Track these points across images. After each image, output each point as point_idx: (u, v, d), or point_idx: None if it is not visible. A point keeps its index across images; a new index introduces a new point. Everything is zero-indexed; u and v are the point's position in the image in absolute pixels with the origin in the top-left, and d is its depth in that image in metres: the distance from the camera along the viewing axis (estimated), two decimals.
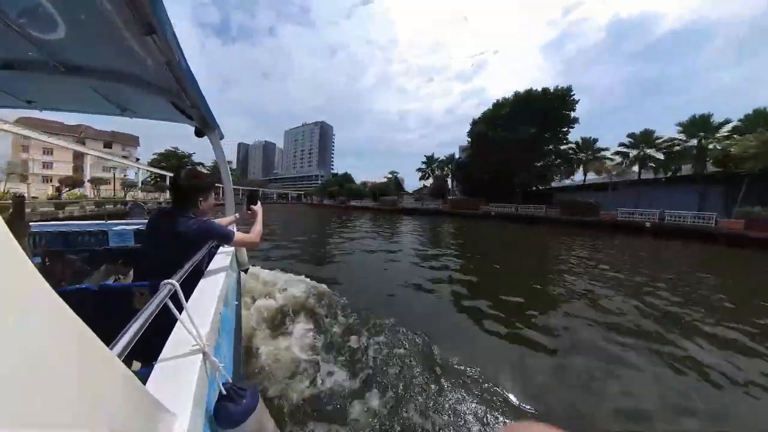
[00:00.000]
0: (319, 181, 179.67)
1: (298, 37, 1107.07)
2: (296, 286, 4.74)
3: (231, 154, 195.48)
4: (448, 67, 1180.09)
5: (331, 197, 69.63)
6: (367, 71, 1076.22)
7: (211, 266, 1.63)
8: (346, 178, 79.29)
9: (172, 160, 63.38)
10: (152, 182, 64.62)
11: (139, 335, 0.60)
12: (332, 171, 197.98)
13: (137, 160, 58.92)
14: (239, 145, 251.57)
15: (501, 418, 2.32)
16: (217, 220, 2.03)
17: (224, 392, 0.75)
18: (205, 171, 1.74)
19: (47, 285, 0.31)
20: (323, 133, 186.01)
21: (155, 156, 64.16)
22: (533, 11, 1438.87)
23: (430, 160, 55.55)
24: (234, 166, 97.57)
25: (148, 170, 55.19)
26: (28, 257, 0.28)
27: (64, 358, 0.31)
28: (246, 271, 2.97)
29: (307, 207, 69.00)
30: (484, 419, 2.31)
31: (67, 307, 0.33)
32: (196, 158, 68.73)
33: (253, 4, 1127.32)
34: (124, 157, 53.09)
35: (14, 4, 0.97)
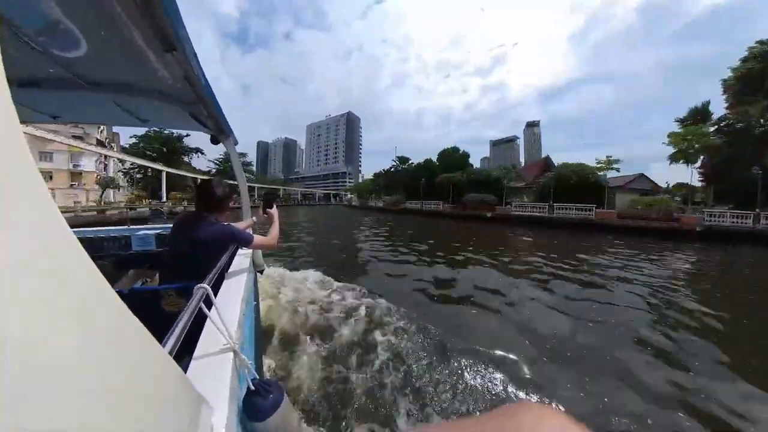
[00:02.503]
0: (347, 180, 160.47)
1: (315, 40, 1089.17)
2: None
3: (249, 153, 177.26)
4: (466, 63, 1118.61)
5: (441, 196, 34.23)
6: (384, 71, 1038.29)
7: (232, 268, 1.70)
8: (456, 157, 41.49)
9: (155, 143, 43.10)
10: (130, 177, 44.69)
11: (184, 334, 0.68)
12: (360, 168, 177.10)
13: (104, 144, 38.81)
14: (258, 143, 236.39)
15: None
16: (234, 224, 1.93)
17: (252, 387, 0.79)
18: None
19: (110, 286, 0.33)
20: (350, 126, 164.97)
21: (134, 139, 44.05)
22: None
23: None
24: (249, 160, 74.73)
25: (119, 158, 35.38)
26: None
27: (128, 355, 0.34)
28: (262, 272, 2.84)
29: (351, 210, 46.81)
30: None
31: (128, 309, 0.35)
32: (190, 142, 48.15)
33: (270, 12, 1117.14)
34: (76, 137, 32.95)
35: (35, 24, 0.99)
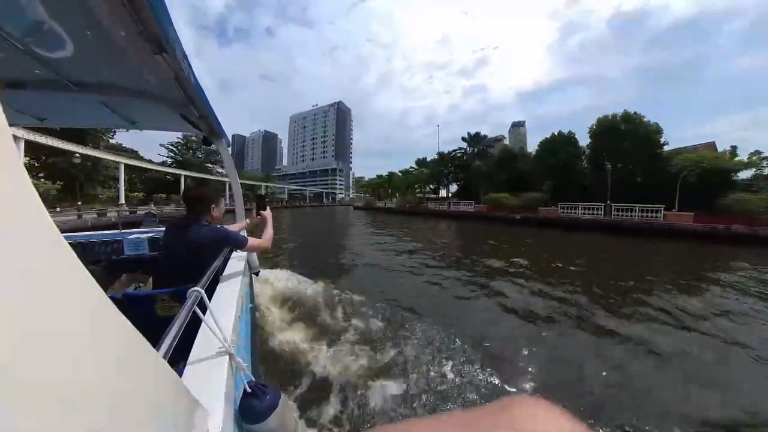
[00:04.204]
0: (337, 177, 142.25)
1: (297, 36, 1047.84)
2: None
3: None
4: (450, 64, 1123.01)
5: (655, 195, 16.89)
6: (369, 70, 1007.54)
7: (227, 271, 1.67)
8: (638, 127, 20.93)
9: None
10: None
11: (178, 338, 0.68)
12: (351, 166, 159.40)
13: None
14: (233, 137, 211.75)
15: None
16: (227, 226, 1.96)
17: (249, 390, 0.79)
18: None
19: (103, 292, 0.32)
20: (340, 118, 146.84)
21: None
22: (534, 4, 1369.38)
23: None
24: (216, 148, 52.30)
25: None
26: None
27: (122, 361, 0.34)
28: (257, 274, 2.81)
29: (382, 217, 29.59)
30: None
31: (121, 313, 0.34)
32: None
33: (251, 5, 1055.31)
34: None
35: (21, 24, 0.97)
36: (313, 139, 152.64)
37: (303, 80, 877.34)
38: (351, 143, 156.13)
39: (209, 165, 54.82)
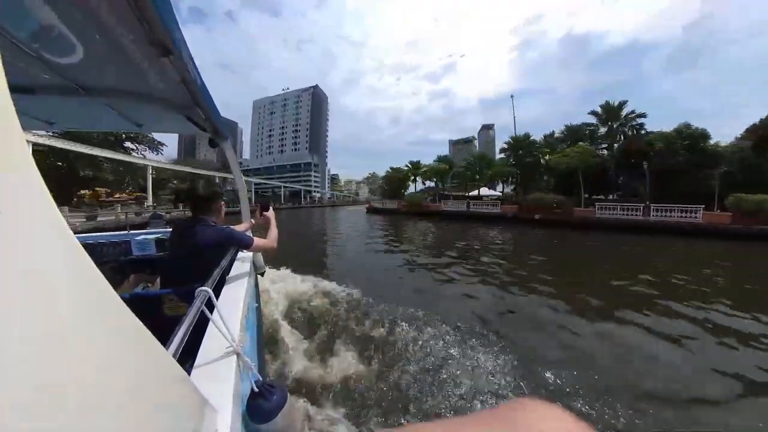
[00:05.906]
0: (312, 173, 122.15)
1: (263, 26, 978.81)
2: None
3: (170, 138, 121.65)
4: (419, 67, 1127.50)
5: None
6: (338, 68, 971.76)
7: (233, 272, 1.67)
8: None
9: None
10: None
11: (186, 338, 0.69)
12: (327, 161, 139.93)
13: None
14: None
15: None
16: (233, 227, 1.89)
17: (256, 389, 0.79)
18: None
19: (114, 292, 0.33)
20: (316, 105, 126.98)
21: None
22: (498, 19, 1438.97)
23: None
24: (156, 138, 33.25)
25: None
26: None
27: (132, 359, 0.34)
28: (262, 274, 2.81)
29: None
30: None
31: (132, 312, 0.35)
32: None
33: None
34: None
35: (29, 29, 0.98)
36: (283, 128, 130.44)
37: (267, 73, 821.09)
38: (327, 135, 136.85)
39: (129, 145, 34.70)
